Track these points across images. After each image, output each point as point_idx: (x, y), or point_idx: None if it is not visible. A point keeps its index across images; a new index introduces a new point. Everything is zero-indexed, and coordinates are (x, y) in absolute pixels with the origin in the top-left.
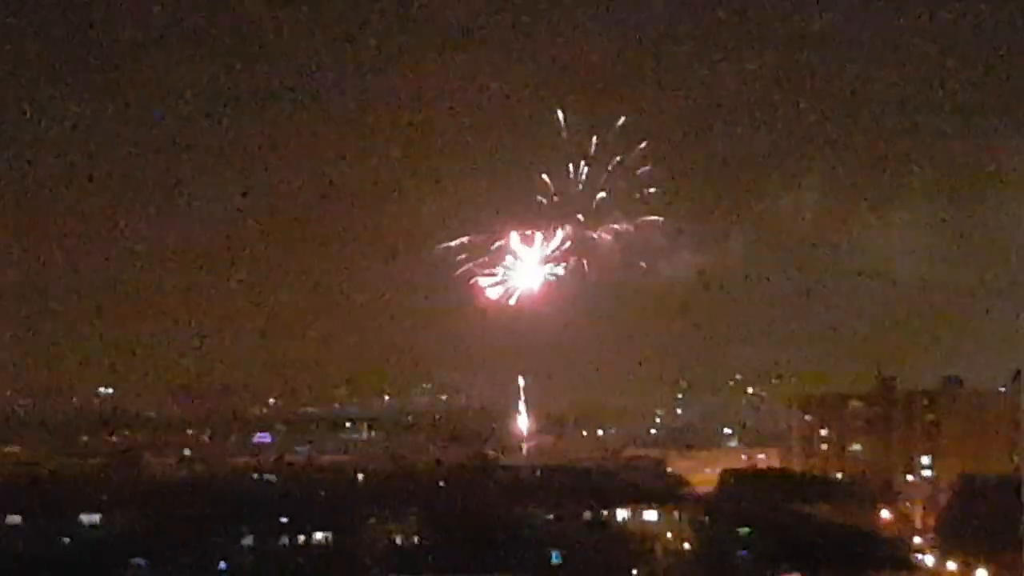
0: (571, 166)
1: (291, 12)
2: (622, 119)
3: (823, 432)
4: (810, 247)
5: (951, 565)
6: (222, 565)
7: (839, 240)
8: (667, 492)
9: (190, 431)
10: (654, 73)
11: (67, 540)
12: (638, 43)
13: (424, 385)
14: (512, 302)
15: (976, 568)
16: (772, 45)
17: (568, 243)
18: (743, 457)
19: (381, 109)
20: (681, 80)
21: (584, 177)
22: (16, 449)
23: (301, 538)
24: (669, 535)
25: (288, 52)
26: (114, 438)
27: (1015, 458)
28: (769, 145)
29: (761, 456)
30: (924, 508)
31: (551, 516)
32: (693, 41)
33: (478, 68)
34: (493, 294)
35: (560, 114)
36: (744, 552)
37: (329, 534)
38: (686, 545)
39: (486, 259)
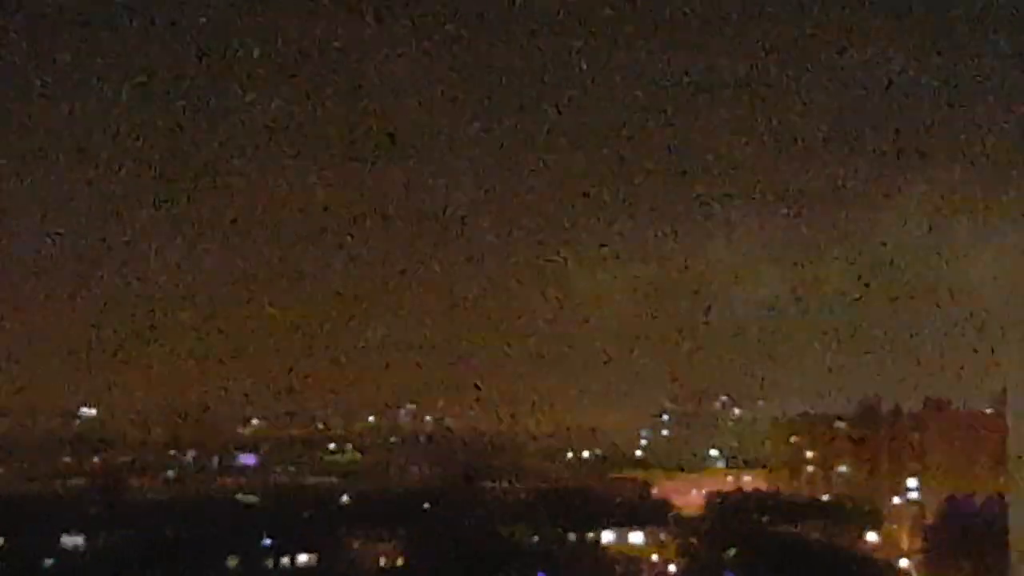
0: None
1: None
2: None
3: (809, 454)
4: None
5: None
6: None
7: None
8: (653, 514)
9: (173, 452)
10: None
11: (50, 562)
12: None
13: (409, 406)
14: None
15: None
16: (867, 71)
17: None
18: (729, 479)
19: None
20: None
21: None
22: None
23: (285, 560)
24: (655, 557)
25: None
26: (97, 459)
27: (1002, 479)
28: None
29: (747, 478)
30: (910, 530)
31: (537, 538)
32: (792, 64)
33: None
34: None
35: None
36: (730, 574)
37: (314, 556)
38: (672, 567)
39: None
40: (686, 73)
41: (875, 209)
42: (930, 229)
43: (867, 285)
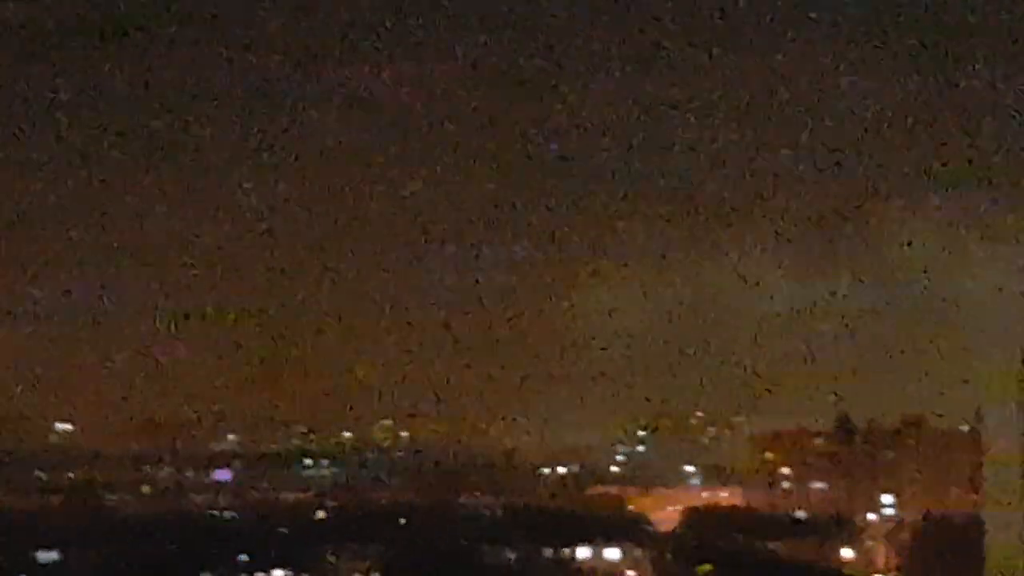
0: None
1: None
2: None
3: (785, 470)
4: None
5: None
6: None
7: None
8: (629, 530)
9: (148, 468)
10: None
11: None
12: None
13: (385, 421)
14: None
15: None
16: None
17: None
18: (705, 495)
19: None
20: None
21: None
22: None
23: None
24: (631, 573)
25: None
26: (72, 475)
27: (978, 497)
28: None
29: (723, 494)
30: (886, 547)
31: (512, 555)
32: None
33: None
34: None
35: None
36: None
37: (289, 572)
38: None
39: None
40: (698, 87)
41: (885, 228)
42: (942, 250)
43: (866, 306)
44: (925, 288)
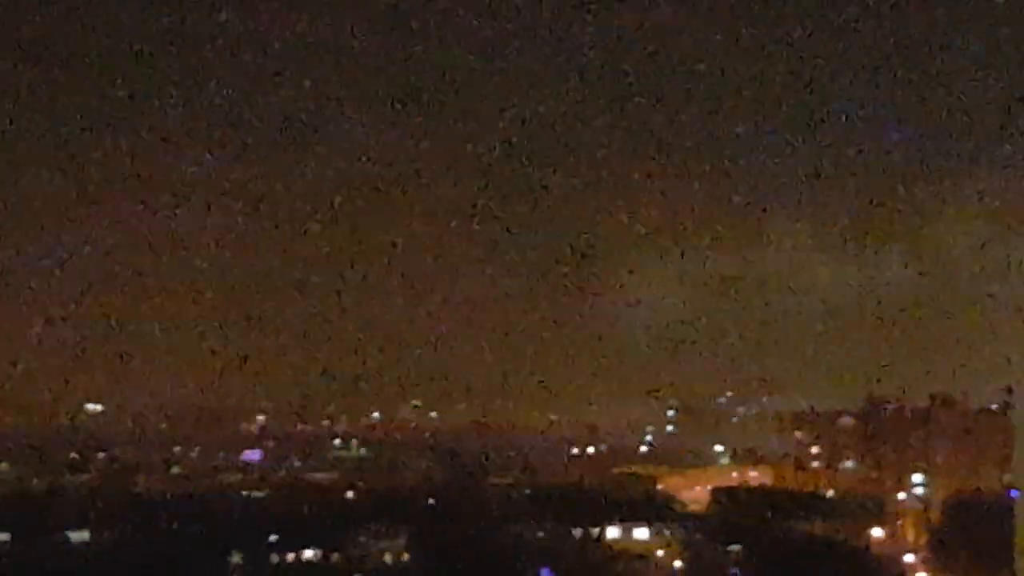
0: None
1: None
2: None
3: (814, 450)
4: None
5: None
6: None
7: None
8: (658, 509)
9: (179, 448)
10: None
11: (56, 557)
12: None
13: (414, 402)
14: None
15: None
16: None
17: None
18: (734, 474)
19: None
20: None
21: None
22: (5, 466)
23: (291, 556)
24: (660, 553)
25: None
26: (103, 455)
27: (1007, 476)
28: None
29: (753, 473)
30: (916, 526)
31: (541, 533)
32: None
33: None
34: None
35: None
36: (735, 570)
37: (319, 551)
38: (677, 563)
39: None
40: (731, 67)
41: (930, 212)
42: (973, 230)
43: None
44: (955, 268)
